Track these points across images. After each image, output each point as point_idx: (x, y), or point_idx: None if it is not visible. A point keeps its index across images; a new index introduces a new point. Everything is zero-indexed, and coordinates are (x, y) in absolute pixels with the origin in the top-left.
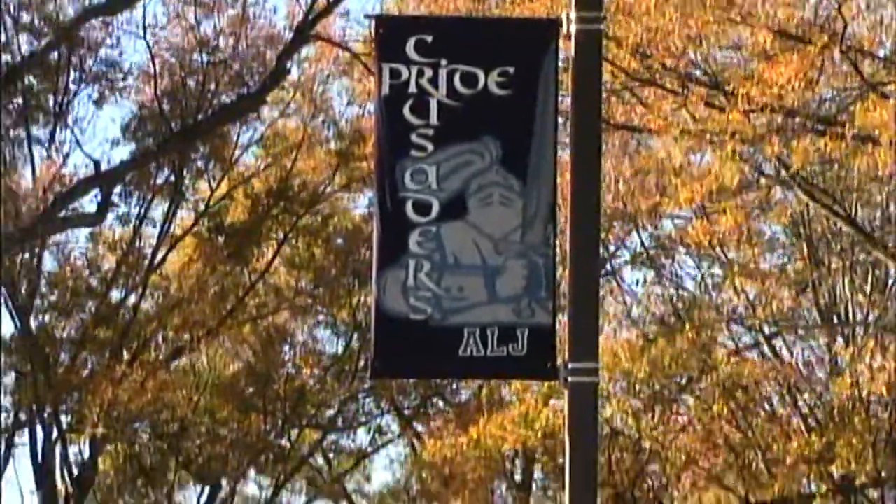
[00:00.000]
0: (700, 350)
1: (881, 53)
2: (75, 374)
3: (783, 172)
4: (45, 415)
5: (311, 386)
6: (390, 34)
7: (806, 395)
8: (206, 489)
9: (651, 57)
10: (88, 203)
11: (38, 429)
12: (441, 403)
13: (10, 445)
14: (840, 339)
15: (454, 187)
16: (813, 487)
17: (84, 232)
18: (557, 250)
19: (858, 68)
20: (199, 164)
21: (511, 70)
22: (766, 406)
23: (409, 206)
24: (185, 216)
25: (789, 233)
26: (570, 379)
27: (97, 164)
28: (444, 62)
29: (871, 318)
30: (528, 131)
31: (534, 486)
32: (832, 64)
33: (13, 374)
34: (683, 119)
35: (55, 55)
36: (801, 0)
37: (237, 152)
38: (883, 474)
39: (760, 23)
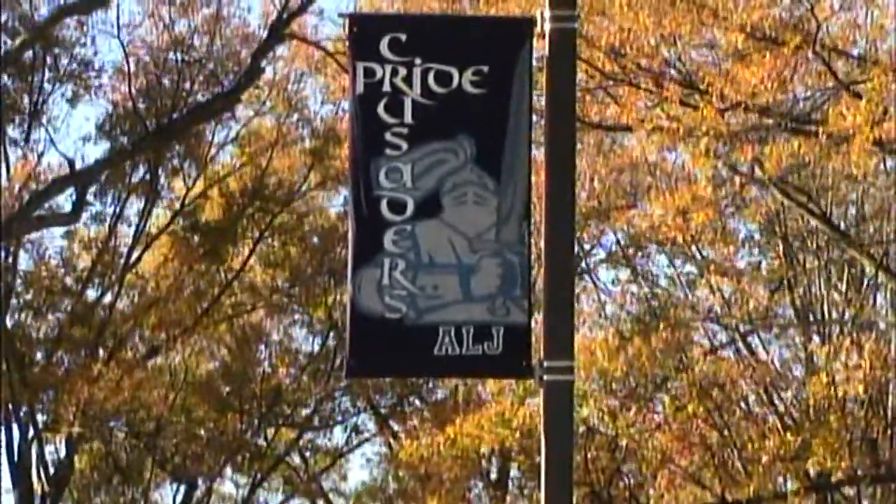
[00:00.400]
0: (676, 349)
1: (854, 52)
2: (51, 372)
3: (757, 171)
4: (21, 414)
5: (288, 385)
6: (364, 32)
7: (783, 394)
8: (183, 488)
9: (625, 56)
10: (63, 202)
11: (14, 427)
12: (417, 402)
13: None
14: (816, 338)
15: (429, 186)
16: (789, 485)
17: (59, 231)
18: (532, 249)
19: (832, 68)
20: (175, 162)
21: (485, 69)
22: (743, 405)
23: (383, 205)
24: (160, 215)
25: (765, 231)
26: (545, 377)
27: (71, 162)
28: (418, 61)
29: (846, 316)
30: (503, 130)
31: (510, 484)
32: (806, 62)
33: None
34: (657, 116)
35: (29, 54)
36: (774, 0)
37: (212, 151)
38: (859, 472)
39: (733, 25)
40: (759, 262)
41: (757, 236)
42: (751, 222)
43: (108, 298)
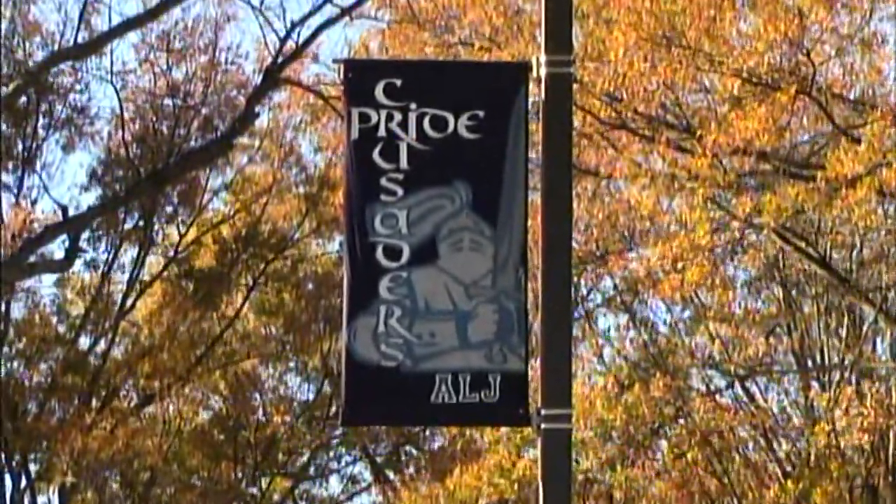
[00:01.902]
0: (675, 396)
1: (851, 96)
2: (44, 422)
3: (755, 218)
4: (14, 463)
5: (282, 433)
6: (359, 78)
7: (782, 441)
8: None
9: (621, 101)
10: (56, 249)
11: (7, 478)
12: (414, 451)
13: None
14: (815, 384)
15: (425, 232)
16: None
17: (52, 278)
18: (529, 295)
19: (829, 112)
20: (169, 209)
21: (481, 114)
22: (742, 452)
23: (379, 252)
24: (154, 262)
25: (763, 276)
26: (542, 425)
27: (65, 209)
28: (413, 106)
29: (846, 362)
30: (499, 175)
31: None
32: (803, 106)
33: None
34: (653, 165)
35: (23, 100)
36: (769, 46)
37: (206, 197)
38: None
39: (729, 71)
40: (758, 309)
41: (755, 281)
42: (750, 267)
43: (101, 346)
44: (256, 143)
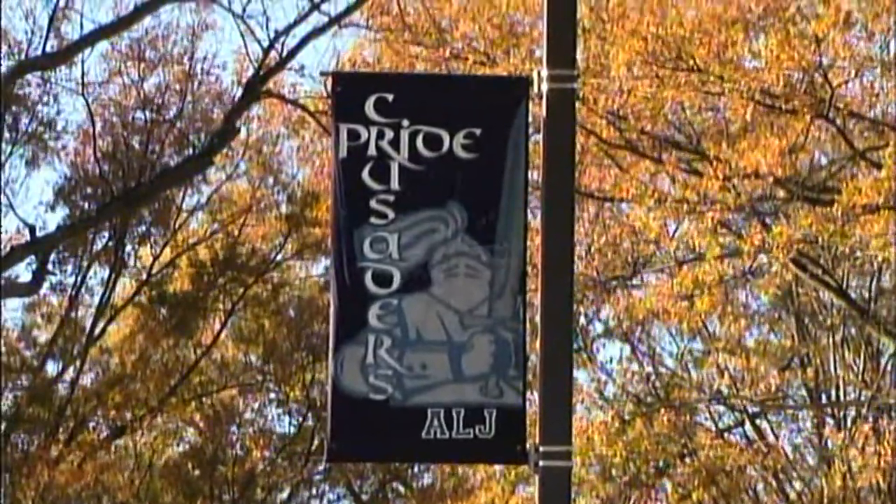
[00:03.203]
0: (680, 433)
1: (871, 115)
2: (8, 454)
3: (768, 243)
4: None
5: (262, 469)
6: (348, 92)
7: (795, 482)
8: None
9: (626, 119)
10: (23, 271)
11: None
12: (401, 488)
13: None
14: (830, 421)
15: (417, 257)
16: None
17: (18, 302)
18: (527, 325)
19: (846, 135)
20: (141, 229)
21: (478, 132)
22: (751, 493)
23: (368, 277)
24: (125, 285)
25: (776, 305)
26: (541, 463)
27: (32, 229)
28: (406, 123)
29: (863, 398)
30: (496, 197)
31: None
32: (818, 129)
33: None
34: (659, 186)
35: None
36: (782, 68)
37: (182, 217)
38: None
39: (741, 96)
40: (770, 339)
41: (768, 310)
42: (763, 294)
43: (69, 375)
44: (235, 159)
